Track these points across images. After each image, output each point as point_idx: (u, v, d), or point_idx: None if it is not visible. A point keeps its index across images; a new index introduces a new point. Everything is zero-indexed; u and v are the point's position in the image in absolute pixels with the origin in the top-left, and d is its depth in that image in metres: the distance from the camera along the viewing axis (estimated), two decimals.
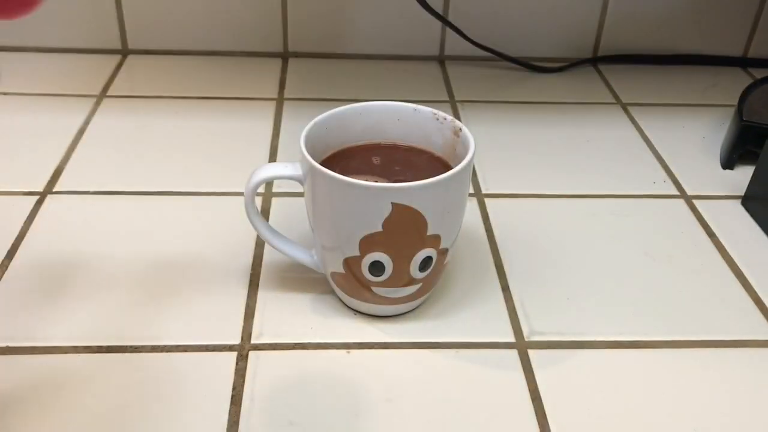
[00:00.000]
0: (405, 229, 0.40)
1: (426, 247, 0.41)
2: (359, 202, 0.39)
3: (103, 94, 0.70)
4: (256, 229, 0.45)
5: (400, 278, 0.42)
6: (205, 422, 0.38)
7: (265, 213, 0.55)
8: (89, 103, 0.68)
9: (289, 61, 0.78)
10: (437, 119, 0.46)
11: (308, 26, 0.78)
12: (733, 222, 0.56)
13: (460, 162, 0.41)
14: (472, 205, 0.56)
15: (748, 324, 0.46)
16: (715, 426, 0.39)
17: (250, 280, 0.48)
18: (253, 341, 0.43)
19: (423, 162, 0.46)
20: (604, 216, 0.56)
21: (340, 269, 0.43)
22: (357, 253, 0.41)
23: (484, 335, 0.45)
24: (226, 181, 0.57)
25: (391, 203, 0.39)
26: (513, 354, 0.43)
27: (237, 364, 0.42)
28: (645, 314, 0.47)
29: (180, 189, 0.56)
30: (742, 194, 0.58)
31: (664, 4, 0.78)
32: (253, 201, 0.43)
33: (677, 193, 0.59)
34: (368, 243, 0.40)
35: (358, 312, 0.46)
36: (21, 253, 0.49)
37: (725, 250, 0.53)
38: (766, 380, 0.42)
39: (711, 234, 0.55)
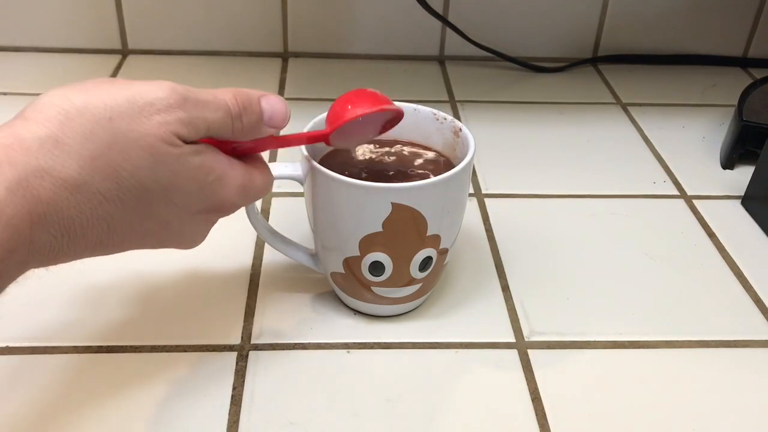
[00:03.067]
0: (405, 229, 0.40)
1: (426, 247, 0.41)
2: (359, 202, 0.39)
3: None
4: (256, 229, 0.44)
5: (400, 278, 0.42)
6: (205, 422, 0.38)
7: (265, 213, 0.55)
8: None
9: (289, 61, 0.78)
10: (437, 119, 0.46)
11: (308, 26, 0.78)
12: (733, 222, 0.56)
13: (460, 162, 0.41)
14: (472, 205, 0.56)
15: (748, 324, 0.46)
16: (715, 426, 0.39)
17: (250, 280, 0.48)
18: (253, 341, 0.43)
19: (423, 161, 0.46)
20: (604, 216, 0.56)
21: (340, 269, 0.43)
22: (357, 253, 0.41)
23: (484, 335, 0.45)
24: None
25: (391, 203, 0.39)
26: (513, 354, 0.43)
27: (237, 364, 0.42)
28: (645, 314, 0.47)
29: None
30: (742, 194, 0.58)
31: (664, 4, 0.78)
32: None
33: (677, 193, 0.59)
34: (368, 243, 0.40)
35: (358, 312, 0.46)
36: None
37: (725, 250, 0.53)
38: (766, 380, 0.42)
39: (711, 234, 0.55)
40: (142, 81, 0.32)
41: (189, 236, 0.37)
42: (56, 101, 0.30)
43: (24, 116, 0.30)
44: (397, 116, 0.41)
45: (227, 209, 0.37)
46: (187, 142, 0.33)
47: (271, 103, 0.36)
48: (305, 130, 0.42)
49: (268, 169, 0.38)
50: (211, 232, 0.39)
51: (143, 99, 0.31)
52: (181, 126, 0.32)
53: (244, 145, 0.37)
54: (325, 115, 0.44)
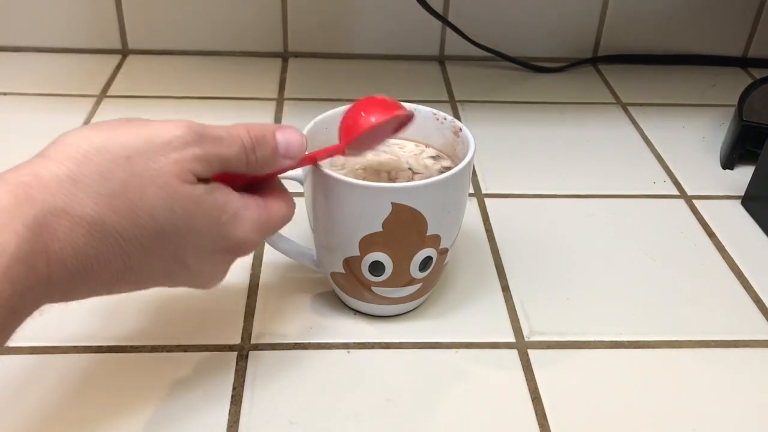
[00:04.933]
0: (405, 229, 0.40)
1: (426, 247, 0.41)
2: (359, 202, 0.39)
3: (103, 94, 0.70)
4: None
5: (400, 278, 0.42)
6: (205, 422, 0.38)
7: None
8: (89, 103, 0.68)
9: (289, 61, 0.78)
10: (437, 119, 0.46)
11: (308, 26, 0.78)
12: (733, 222, 0.56)
13: (460, 162, 0.41)
14: (472, 205, 0.56)
15: (748, 324, 0.46)
16: (715, 426, 0.39)
17: (250, 280, 0.48)
18: (253, 341, 0.43)
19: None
20: (604, 216, 0.56)
21: (340, 269, 0.43)
22: (357, 253, 0.41)
23: (484, 335, 0.45)
24: None
25: (391, 203, 0.39)
26: (513, 354, 0.43)
27: (237, 364, 0.42)
28: (645, 314, 0.47)
29: None
30: (742, 194, 0.58)
31: (664, 4, 0.78)
32: None
33: (677, 193, 0.59)
34: (368, 243, 0.40)
35: (358, 312, 0.46)
36: None
37: (725, 250, 0.53)
38: (766, 380, 0.42)
39: (711, 234, 0.55)
40: (159, 120, 0.33)
41: (207, 276, 0.36)
42: (76, 141, 0.30)
43: (44, 155, 0.30)
44: (408, 118, 0.41)
45: (244, 249, 0.36)
46: (201, 178, 0.33)
47: (286, 134, 0.36)
48: (305, 131, 0.42)
49: (288, 195, 0.38)
50: None
51: (161, 138, 0.31)
52: (196, 163, 0.32)
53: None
54: (324, 115, 0.44)
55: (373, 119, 0.38)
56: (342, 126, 0.39)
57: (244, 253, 0.37)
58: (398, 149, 0.46)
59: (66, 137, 0.31)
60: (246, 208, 0.35)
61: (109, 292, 0.33)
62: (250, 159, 0.34)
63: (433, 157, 0.45)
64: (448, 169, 0.44)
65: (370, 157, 0.45)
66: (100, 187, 0.30)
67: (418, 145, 0.46)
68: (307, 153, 0.39)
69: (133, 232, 0.31)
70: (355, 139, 0.38)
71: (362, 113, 0.38)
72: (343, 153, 0.39)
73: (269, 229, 0.37)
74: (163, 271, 0.34)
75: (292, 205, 0.38)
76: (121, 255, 0.31)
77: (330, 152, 0.39)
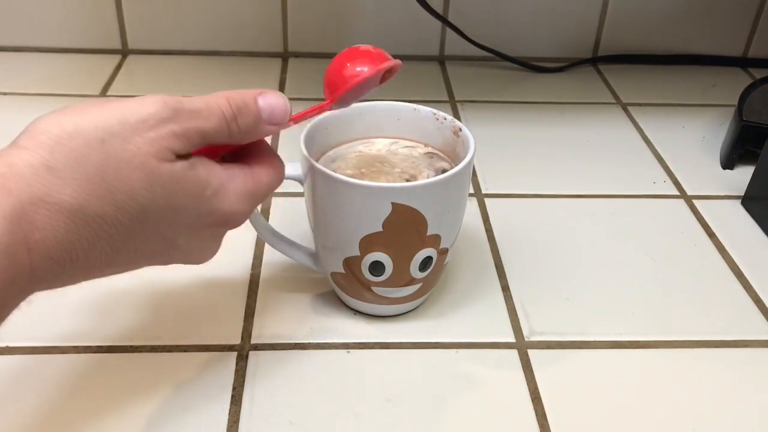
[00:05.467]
0: (405, 229, 0.40)
1: (426, 247, 0.41)
2: (359, 202, 0.39)
3: (103, 94, 0.70)
4: (256, 229, 0.44)
5: (400, 278, 0.42)
6: (205, 422, 0.38)
7: (265, 213, 0.55)
8: None
9: (289, 61, 0.78)
10: (437, 119, 0.46)
11: (308, 26, 0.78)
12: (733, 222, 0.56)
13: (460, 162, 0.41)
14: (472, 205, 0.56)
15: (748, 324, 0.46)
16: (715, 426, 0.39)
17: (250, 280, 0.48)
18: (253, 341, 0.43)
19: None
20: (604, 216, 0.56)
21: (340, 269, 0.43)
22: (357, 253, 0.41)
23: (484, 335, 0.45)
24: None
25: (391, 203, 0.39)
26: (513, 354, 0.43)
27: (237, 364, 0.42)
28: (645, 314, 0.47)
29: None
30: (742, 194, 0.58)
31: (664, 4, 0.78)
32: None
33: (677, 193, 0.59)
34: (368, 243, 0.40)
35: (358, 312, 0.46)
36: None
37: (725, 250, 0.53)
38: (766, 380, 0.42)
39: (711, 234, 0.55)
40: (132, 99, 0.32)
41: (198, 252, 0.36)
42: (47, 127, 0.30)
43: (16, 144, 0.30)
44: (396, 67, 0.40)
45: (234, 221, 0.35)
46: (181, 155, 0.32)
47: (269, 100, 0.35)
48: (305, 132, 0.42)
49: (276, 159, 0.37)
50: None
51: (135, 117, 0.31)
52: (174, 140, 0.31)
53: None
54: (324, 115, 0.44)
55: (359, 74, 0.36)
56: (327, 80, 0.38)
57: (235, 224, 0.36)
58: (364, 147, 0.46)
59: (37, 124, 0.30)
60: (231, 180, 0.34)
61: (101, 275, 0.32)
62: (232, 129, 0.33)
63: (408, 147, 0.45)
64: (432, 153, 0.45)
65: (354, 155, 0.45)
66: (75, 173, 0.29)
67: (391, 139, 0.46)
68: (292, 115, 0.38)
69: (114, 216, 0.30)
70: (340, 97, 0.37)
71: (347, 66, 0.37)
72: (329, 108, 0.38)
73: (258, 198, 0.36)
74: (152, 251, 0.33)
75: (281, 170, 0.37)
76: (106, 239, 0.30)
77: (315, 111, 0.38)
